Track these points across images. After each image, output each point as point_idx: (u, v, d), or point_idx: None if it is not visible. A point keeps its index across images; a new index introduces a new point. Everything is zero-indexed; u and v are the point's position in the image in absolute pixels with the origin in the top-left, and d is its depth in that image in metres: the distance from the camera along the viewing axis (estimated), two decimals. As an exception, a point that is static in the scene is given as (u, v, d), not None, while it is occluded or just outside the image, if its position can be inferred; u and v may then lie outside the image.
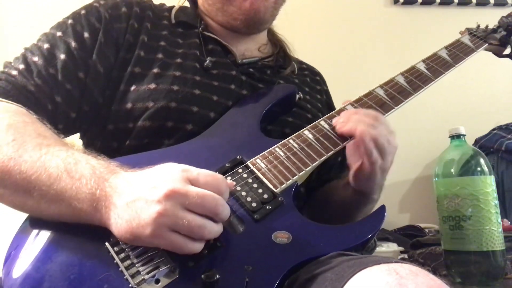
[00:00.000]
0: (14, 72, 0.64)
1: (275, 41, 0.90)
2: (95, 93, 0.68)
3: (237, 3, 0.74)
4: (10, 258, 0.50)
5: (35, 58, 0.65)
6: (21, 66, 0.64)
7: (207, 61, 0.73)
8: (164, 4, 0.85)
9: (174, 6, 0.83)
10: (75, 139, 0.75)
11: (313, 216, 0.83)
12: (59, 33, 0.68)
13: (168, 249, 0.47)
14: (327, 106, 0.92)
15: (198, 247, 0.47)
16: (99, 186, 0.48)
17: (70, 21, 0.70)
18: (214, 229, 0.48)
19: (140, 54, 0.71)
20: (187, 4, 0.85)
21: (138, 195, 0.46)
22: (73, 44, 0.67)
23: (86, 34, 0.69)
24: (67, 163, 0.50)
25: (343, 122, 0.66)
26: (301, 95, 0.80)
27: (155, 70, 0.70)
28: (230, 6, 0.75)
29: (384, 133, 0.64)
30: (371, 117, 0.65)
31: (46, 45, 0.67)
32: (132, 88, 0.68)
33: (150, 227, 0.45)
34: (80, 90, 0.67)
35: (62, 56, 0.66)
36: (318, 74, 0.97)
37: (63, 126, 0.66)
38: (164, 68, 0.70)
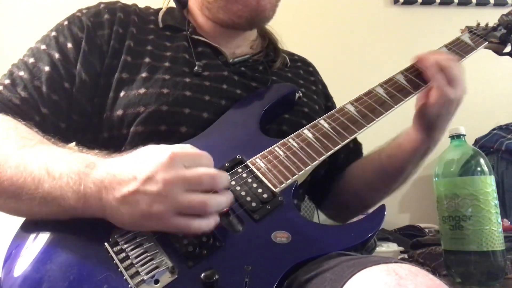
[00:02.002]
0: (0, 88, 0.64)
1: (264, 34, 0.89)
2: (83, 102, 0.68)
3: (243, 1, 0.74)
4: (10, 258, 0.50)
5: (21, 73, 0.66)
6: (7, 81, 0.65)
7: (197, 66, 0.73)
8: (150, 8, 0.84)
9: (160, 9, 0.82)
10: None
11: (340, 203, 0.85)
12: (43, 47, 0.69)
13: (177, 232, 0.49)
14: (324, 96, 0.92)
15: (206, 223, 0.48)
16: (81, 182, 0.48)
17: (53, 33, 0.71)
18: (217, 200, 0.49)
19: (127, 59, 0.70)
20: (172, 4, 0.84)
21: (132, 188, 0.46)
22: (56, 55, 0.68)
23: (69, 45, 0.69)
24: (48, 162, 0.50)
25: (426, 55, 0.73)
26: (301, 94, 0.80)
27: (143, 75, 0.69)
28: (235, 4, 0.74)
29: (461, 71, 0.71)
30: (452, 59, 0.73)
31: (31, 60, 0.67)
32: (122, 94, 0.68)
33: (153, 220, 0.47)
34: (67, 100, 0.67)
35: (46, 68, 0.66)
36: (310, 64, 0.96)
37: (54, 137, 0.66)
38: (152, 71, 0.70)
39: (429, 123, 0.73)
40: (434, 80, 0.69)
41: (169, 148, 0.49)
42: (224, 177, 0.51)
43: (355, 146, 0.92)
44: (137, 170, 0.47)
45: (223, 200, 0.51)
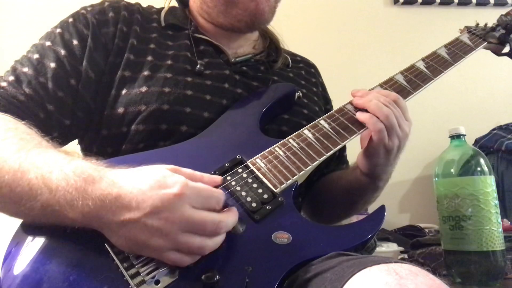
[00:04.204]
0: (4, 84, 0.63)
1: (265, 34, 0.89)
2: (87, 99, 0.68)
3: (242, 5, 0.74)
4: (9, 257, 0.49)
5: (25, 69, 0.65)
6: (11, 78, 0.64)
7: (198, 65, 0.72)
8: (152, 7, 0.84)
9: (163, 8, 0.82)
10: (74, 144, 0.75)
11: (314, 208, 0.84)
12: (48, 43, 0.68)
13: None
14: (323, 98, 0.92)
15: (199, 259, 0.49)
16: (79, 198, 0.46)
17: (58, 30, 0.70)
18: (216, 243, 0.49)
19: (130, 57, 0.70)
20: (174, 3, 0.84)
21: (133, 216, 0.45)
22: (62, 52, 0.67)
23: (75, 42, 0.68)
24: (44, 172, 0.48)
25: (360, 97, 0.69)
26: (300, 93, 0.80)
27: (146, 73, 0.69)
28: (234, 8, 0.75)
29: (397, 115, 0.66)
30: (390, 98, 0.67)
31: (35, 56, 0.67)
32: (123, 92, 0.68)
33: (149, 250, 0.46)
34: (73, 97, 0.66)
35: (52, 65, 0.66)
36: (312, 66, 0.96)
37: (58, 134, 0.66)
38: (154, 70, 0.70)
39: (370, 170, 0.72)
40: (378, 130, 0.65)
41: (180, 182, 0.46)
42: (229, 222, 0.50)
43: (340, 153, 0.92)
44: (141, 199, 0.45)
45: (220, 240, 0.49)
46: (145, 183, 0.46)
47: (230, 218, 0.50)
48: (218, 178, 0.56)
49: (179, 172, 0.49)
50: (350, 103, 0.71)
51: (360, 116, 0.67)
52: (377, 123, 0.64)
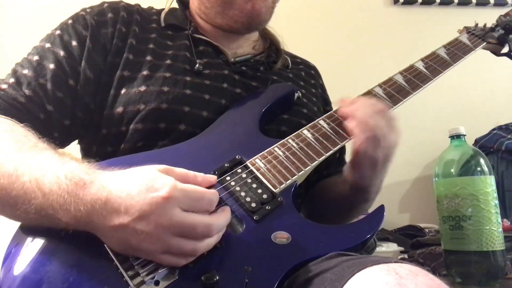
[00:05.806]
0: (4, 86, 0.64)
1: (266, 35, 0.89)
2: (86, 99, 0.68)
3: (238, 6, 0.74)
4: (9, 258, 0.50)
5: (25, 71, 0.66)
6: (11, 80, 0.65)
7: (197, 64, 0.73)
8: (152, 8, 0.84)
9: (163, 9, 0.83)
10: (74, 144, 0.75)
11: (310, 212, 0.84)
12: (47, 45, 0.69)
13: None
14: (323, 100, 0.92)
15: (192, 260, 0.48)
16: (71, 202, 0.46)
17: (58, 32, 0.71)
18: (209, 244, 0.48)
19: (129, 57, 0.71)
20: (175, 4, 0.85)
21: (123, 221, 0.45)
22: (61, 53, 0.68)
23: (74, 43, 0.69)
24: (38, 175, 0.48)
25: (346, 106, 0.67)
26: (300, 94, 0.80)
27: (145, 73, 0.69)
28: (231, 9, 0.75)
29: (382, 125, 0.63)
30: (375, 108, 0.64)
31: (35, 57, 0.67)
32: (123, 91, 0.68)
33: (142, 253, 0.46)
34: (72, 98, 0.67)
35: (51, 66, 0.66)
36: (313, 68, 0.96)
37: (58, 134, 0.66)
38: (153, 70, 0.70)
39: (357, 182, 0.68)
40: (362, 142, 0.62)
41: (168, 185, 0.46)
42: (221, 223, 0.49)
43: (340, 155, 0.91)
44: (129, 204, 0.45)
45: (213, 241, 0.49)
46: (133, 187, 0.46)
47: (221, 219, 0.50)
48: (212, 178, 0.55)
49: (171, 173, 0.49)
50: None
51: (347, 125, 0.65)
52: (363, 133, 0.62)
